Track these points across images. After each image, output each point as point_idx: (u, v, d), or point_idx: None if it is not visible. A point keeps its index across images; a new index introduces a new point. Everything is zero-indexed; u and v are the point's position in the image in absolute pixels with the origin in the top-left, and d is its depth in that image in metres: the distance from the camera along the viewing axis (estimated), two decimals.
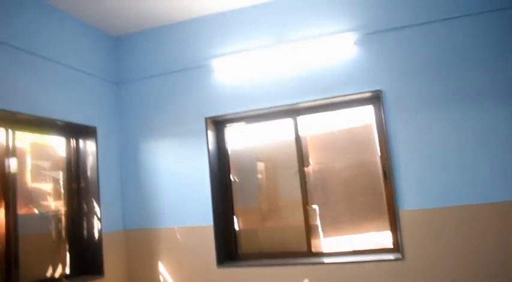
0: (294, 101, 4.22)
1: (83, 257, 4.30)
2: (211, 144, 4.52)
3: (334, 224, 4.36)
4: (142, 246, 4.58)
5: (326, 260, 4.05)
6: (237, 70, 4.41)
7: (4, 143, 3.70)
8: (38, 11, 3.96)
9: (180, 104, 4.59)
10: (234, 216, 4.58)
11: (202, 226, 4.35)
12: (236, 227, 4.57)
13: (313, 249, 4.23)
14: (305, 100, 4.19)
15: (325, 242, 4.31)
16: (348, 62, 4.08)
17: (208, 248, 4.29)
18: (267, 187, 4.62)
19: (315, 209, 4.33)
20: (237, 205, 4.61)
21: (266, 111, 4.40)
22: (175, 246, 4.45)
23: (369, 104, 4.21)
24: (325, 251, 4.24)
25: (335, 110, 4.33)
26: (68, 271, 4.21)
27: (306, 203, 4.29)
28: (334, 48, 4.12)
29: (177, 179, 4.52)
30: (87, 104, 4.43)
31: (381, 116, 4.02)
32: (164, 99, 4.66)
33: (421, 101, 3.84)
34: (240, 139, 4.73)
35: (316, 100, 4.17)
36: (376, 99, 4.09)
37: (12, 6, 3.70)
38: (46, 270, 4.02)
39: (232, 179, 4.64)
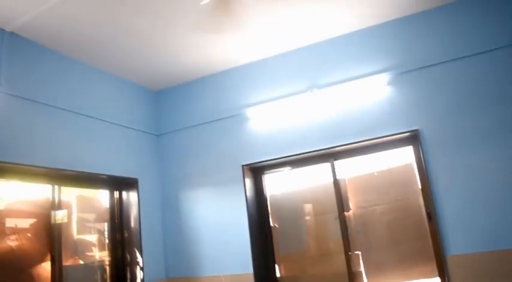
0: (330, 145, 4.21)
1: None
2: (249, 191, 4.54)
3: (379, 271, 4.17)
4: None
5: None
6: (272, 117, 4.49)
7: (51, 197, 3.91)
8: (84, 75, 4.29)
9: (217, 153, 4.70)
10: (275, 263, 4.50)
11: (243, 274, 4.30)
12: (277, 274, 4.48)
13: None
14: (341, 144, 4.17)
15: None
16: (383, 103, 4.05)
17: None
18: (308, 233, 4.53)
19: (358, 255, 4.18)
20: (278, 251, 4.54)
21: (303, 156, 4.40)
22: None
23: (407, 144, 4.11)
24: None
25: (373, 152, 4.26)
26: None
27: (348, 248, 4.16)
28: (367, 90, 4.12)
29: (217, 227, 4.55)
30: (129, 157, 4.63)
31: (420, 156, 3.90)
32: (202, 149, 4.79)
33: (461, 138, 3.71)
34: (278, 185, 4.72)
35: (352, 143, 4.13)
36: (414, 139, 4.00)
37: (61, 71, 4.03)
38: None
39: (272, 225, 4.61)
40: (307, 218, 4.55)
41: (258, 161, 4.50)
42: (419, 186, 3.99)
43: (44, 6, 3.31)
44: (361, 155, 4.31)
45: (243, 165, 4.53)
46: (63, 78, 4.04)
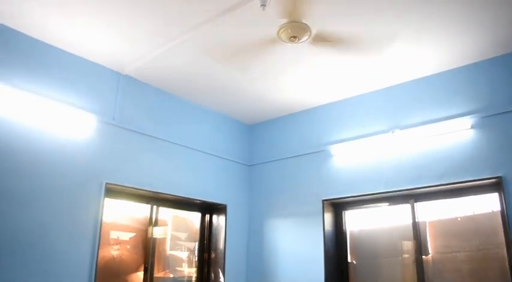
0: (411, 186, 4.19)
1: None
2: (328, 226, 4.68)
3: None
4: None
5: None
6: (354, 155, 4.62)
7: (149, 216, 4.52)
8: (185, 110, 4.93)
9: (300, 186, 4.94)
10: None
11: None
12: None
13: None
14: (422, 186, 4.13)
15: None
16: (466, 147, 3.94)
17: None
18: (385, 273, 4.50)
19: None
20: None
21: (383, 195, 4.44)
22: None
23: (492, 191, 3.92)
24: None
25: (455, 196, 4.13)
26: None
27: None
28: (450, 133, 4.05)
29: (294, 257, 4.76)
30: (221, 184, 5.11)
31: (503, 204, 3.71)
32: (287, 181, 5.08)
33: None
34: (359, 222, 4.78)
35: (433, 186, 4.07)
36: (498, 185, 3.81)
37: (165, 107, 4.69)
38: None
39: (349, 261, 4.67)
40: (385, 257, 4.53)
41: (338, 197, 4.63)
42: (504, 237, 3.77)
43: (154, 53, 3.95)
44: (443, 198, 4.20)
45: (323, 200, 4.70)
46: (168, 113, 4.70)
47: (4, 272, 3.16)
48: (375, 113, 4.58)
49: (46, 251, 3.43)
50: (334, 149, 4.74)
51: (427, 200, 4.29)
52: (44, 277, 3.37)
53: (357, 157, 4.61)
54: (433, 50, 3.90)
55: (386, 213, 4.59)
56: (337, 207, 4.85)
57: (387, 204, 4.53)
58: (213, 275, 4.91)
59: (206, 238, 5.06)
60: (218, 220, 5.07)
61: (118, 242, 4.29)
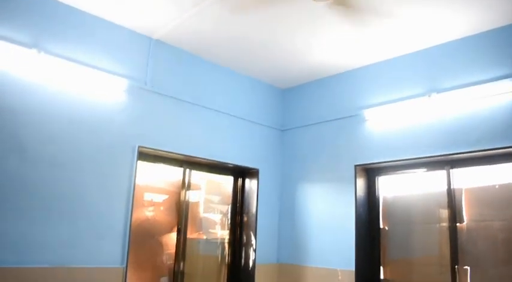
0: (447, 152, 4.03)
1: (238, 281, 4.90)
2: (360, 191, 4.63)
3: None
4: (291, 281, 4.94)
5: None
6: (388, 119, 4.48)
7: (182, 179, 4.61)
8: (217, 75, 4.92)
9: (332, 151, 4.89)
10: (380, 265, 4.53)
11: (344, 270, 4.46)
12: (381, 276, 4.51)
13: None
14: (458, 151, 3.96)
15: None
16: (506, 111, 3.73)
17: None
18: (417, 239, 4.42)
19: (466, 270, 3.97)
20: (385, 254, 4.55)
21: (418, 161, 4.31)
22: None
23: None
24: None
25: (492, 163, 3.95)
26: None
27: (455, 262, 3.98)
28: (490, 97, 3.82)
29: (326, 222, 4.77)
30: (253, 149, 5.13)
31: None
32: (319, 146, 5.03)
33: None
34: (392, 188, 4.69)
35: (470, 152, 3.90)
36: None
37: (197, 71, 4.69)
38: None
39: (381, 227, 4.63)
40: (418, 224, 4.44)
41: (371, 162, 4.55)
42: None
43: (183, 16, 3.93)
44: (480, 165, 4.03)
45: (356, 165, 4.63)
46: (199, 77, 4.70)
47: (46, 231, 3.37)
48: (410, 76, 4.39)
49: (84, 211, 3.61)
50: (367, 113, 4.61)
51: (463, 167, 4.13)
52: (81, 236, 3.56)
53: (391, 122, 4.47)
54: (474, 9, 3.65)
55: (421, 180, 4.48)
56: (370, 172, 4.76)
57: (422, 170, 4.41)
58: (245, 237, 5.01)
59: (239, 201, 5.14)
60: (250, 184, 5.12)
61: (152, 203, 4.43)
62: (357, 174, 4.62)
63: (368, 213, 4.67)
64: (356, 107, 4.76)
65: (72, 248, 3.50)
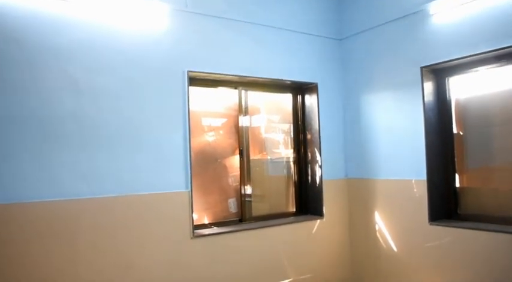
0: None
1: (307, 199, 4.90)
2: (429, 95, 4.25)
3: None
4: (360, 195, 4.84)
5: None
6: (456, 11, 3.94)
7: (238, 100, 4.53)
8: None
9: (394, 55, 4.48)
10: (455, 172, 4.23)
11: (415, 180, 4.24)
12: (457, 185, 4.22)
13: None
14: None
15: None
16: None
17: (421, 202, 4.17)
18: (497, 143, 4.02)
19: None
20: (460, 160, 4.22)
21: (493, 54, 3.79)
22: (389, 197, 4.52)
23: None
24: None
25: None
26: (293, 209, 4.89)
27: None
28: None
29: (392, 131, 4.50)
30: (310, 63, 4.85)
31: None
32: (381, 51, 4.63)
33: None
34: (464, 89, 4.23)
35: None
36: None
37: None
38: (275, 205, 4.78)
39: (455, 133, 4.26)
40: (498, 126, 4.01)
41: (439, 61, 4.09)
42: None
43: None
44: None
45: (422, 67, 4.21)
46: None
47: (103, 163, 3.51)
48: None
49: (142, 141, 3.69)
50: (432, 6, 4.08)
51: None
52: (144, 165, 3.69)
53: (459, 12, 3.92)
54: None
55: (498, 76, 3.97)
56: (439, 73, 4.31)
57: (498, 64, 3.88)
58: (310, 154, 4.91)
59: (300, 119, 4.99)
60: (311, 100, 4.92)
61: (211, 128, 4.44)
62: (424, 77, 4.22)
63: (439, 119, 4.30)
64: (418, 2, 4.23)
65: (136, 177, 3.64)
